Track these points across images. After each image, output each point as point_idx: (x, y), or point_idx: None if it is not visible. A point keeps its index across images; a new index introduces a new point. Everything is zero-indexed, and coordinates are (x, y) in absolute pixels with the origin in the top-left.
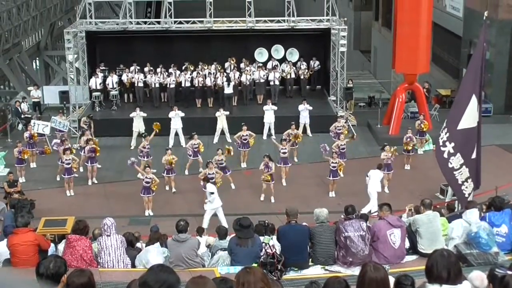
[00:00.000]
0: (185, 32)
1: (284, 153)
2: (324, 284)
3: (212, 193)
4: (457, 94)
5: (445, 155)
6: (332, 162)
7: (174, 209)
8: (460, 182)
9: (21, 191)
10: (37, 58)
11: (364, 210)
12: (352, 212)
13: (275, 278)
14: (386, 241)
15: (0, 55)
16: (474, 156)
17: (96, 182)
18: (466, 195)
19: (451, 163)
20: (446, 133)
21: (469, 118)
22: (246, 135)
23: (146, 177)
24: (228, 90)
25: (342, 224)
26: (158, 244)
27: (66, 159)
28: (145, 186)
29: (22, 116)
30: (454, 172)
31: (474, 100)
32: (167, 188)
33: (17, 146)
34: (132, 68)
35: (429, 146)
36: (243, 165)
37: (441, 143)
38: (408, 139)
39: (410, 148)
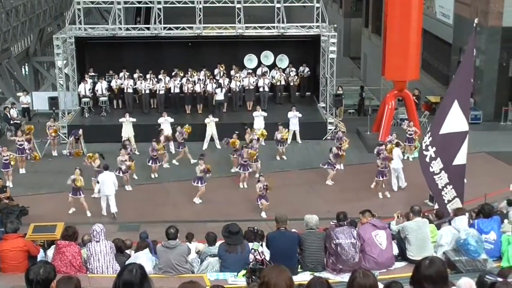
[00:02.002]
0: (175, 38)
1: (245, 161)
2: (306, 285)
3: (98, 182)
4: (443, 100)
5: (427, 159)
6: (381, 164)
7: (163, 216)
8: (440, 187)
9: (10, 196)
10: (26, 64)
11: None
12: (344, 219)
13: None
14: (373, 242)
15: None
16: (456, 162)
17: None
18: (446, 201)
19: (432, 167)
20: (429, 137)
21: (452, 123)
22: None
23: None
24: (220, 96)
25: (333, 231)
26: (147, 250)
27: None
28: (74, 188)
29: (11, 122)
30: (435, 177)
31: (455, 106)
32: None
33: (2, 150)
34: (121, 74)
35: (418, 153)
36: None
37: (424, 147)
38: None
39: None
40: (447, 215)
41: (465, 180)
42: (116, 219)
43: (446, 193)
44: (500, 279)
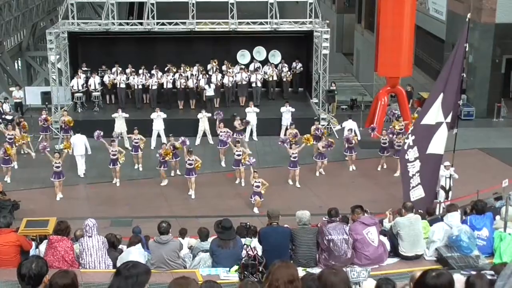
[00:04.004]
0: (168, 33)
1: (239, 155)
2: None
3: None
4: (430, 92)
5: (405, 147)
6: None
7: (156, 211)
8: (410, 174)
9: (2, 191)
10: (19, 59)
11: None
12: (336, 215)
13: (256, 280)
14: (365, 241)
15: None
16: (430, 151)
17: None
18: (410, 187)
19: (407, 155)
20: (412, 126)
21: (433, 115)
22: (224, 131)
23: (56, 163)
24: (210, 92)
25: (325, 227)
26: (139, 245)
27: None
28: (55, 172)
29: (4, 116)
30: (408, 164)
31: (440, 99)
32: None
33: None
34: (114, 69)
35: None
36: (223, 163)
37: (406, 135)
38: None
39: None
40: (406, 199)
41: (456, 176)
42: (84, 177)
43: (413, 180)
44: (475, 273)
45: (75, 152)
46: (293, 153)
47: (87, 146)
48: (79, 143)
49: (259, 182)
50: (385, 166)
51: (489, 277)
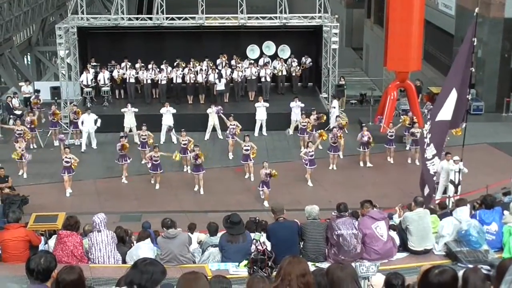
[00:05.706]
0: (177, 28)
1: (247, 150)
2: None
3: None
4: (442, 88)
5: (425, 146)
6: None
7: (165, 206)
8: (431, 172)
9: (12, 186)
10: (29, 54)
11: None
12: (344, 210)
13: (265, 274)
14: (374, 235)
15: None
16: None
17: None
18: (435, 185)
19: (426, 153)
20: (428, 125)
21: (447, 111)
22: (234, 125)
23: (66, 157)
24: (220, 86)
25: (334, 222)
26: (148, 240)
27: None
28: (65, 166)
29: (14, 111)
30: (427, 162)
31: (453, 94)
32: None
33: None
34: (123, 64)
35: None
36: (231, 155)
37: (424, 134)
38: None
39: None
40: (430, 197)
41: (466, 170)
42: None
43: (436, 179)
44: (471, 266)
45: (84, 128)
46: (310, 151)
47: (93, 123)
48: (89, 120)
49: (268, 171)
50: (389, 159)
51: (484, 271)
